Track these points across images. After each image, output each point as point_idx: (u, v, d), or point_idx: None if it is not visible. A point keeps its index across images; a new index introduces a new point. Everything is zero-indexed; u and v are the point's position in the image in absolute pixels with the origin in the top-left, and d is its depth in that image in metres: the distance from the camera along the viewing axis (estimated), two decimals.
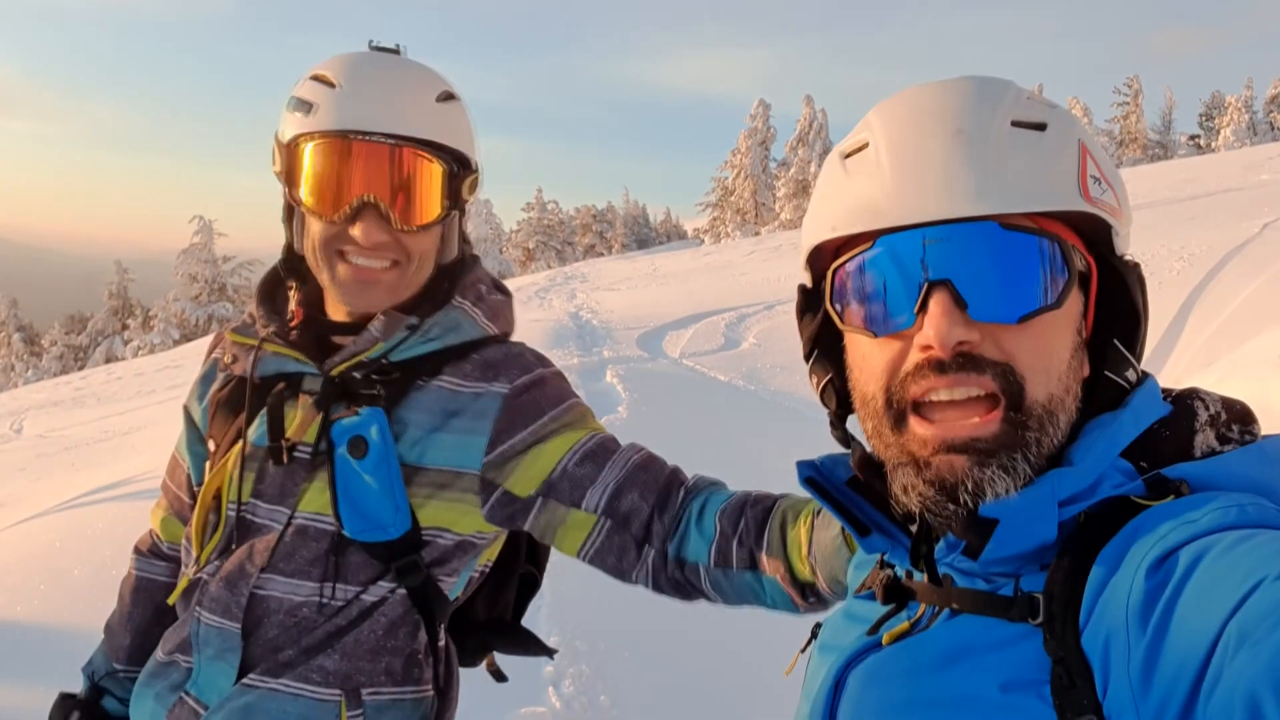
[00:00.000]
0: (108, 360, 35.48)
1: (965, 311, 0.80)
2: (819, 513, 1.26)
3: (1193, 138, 51.06)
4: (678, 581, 1.39)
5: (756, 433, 7.21)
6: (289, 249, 1.48)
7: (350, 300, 1.39)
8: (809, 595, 1.28)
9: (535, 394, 1.45)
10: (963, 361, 0.81)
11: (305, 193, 1.36)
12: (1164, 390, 0.88)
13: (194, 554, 1.45)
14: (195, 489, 1.57)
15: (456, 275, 1.50)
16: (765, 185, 45.62)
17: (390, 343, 1.41)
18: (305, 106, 1.36)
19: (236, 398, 1.48)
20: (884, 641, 0.90)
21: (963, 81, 0.88)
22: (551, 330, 12.11)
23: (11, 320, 45.78)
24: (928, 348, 0.81)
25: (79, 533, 4.89)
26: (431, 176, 1.38)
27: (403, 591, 1.42)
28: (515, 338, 1.57)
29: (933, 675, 0.82)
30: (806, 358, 1.01)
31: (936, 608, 0.88)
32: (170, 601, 1.51)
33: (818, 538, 1.24)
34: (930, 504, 0.83)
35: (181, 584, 1.48)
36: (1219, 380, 6.31)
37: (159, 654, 1.50)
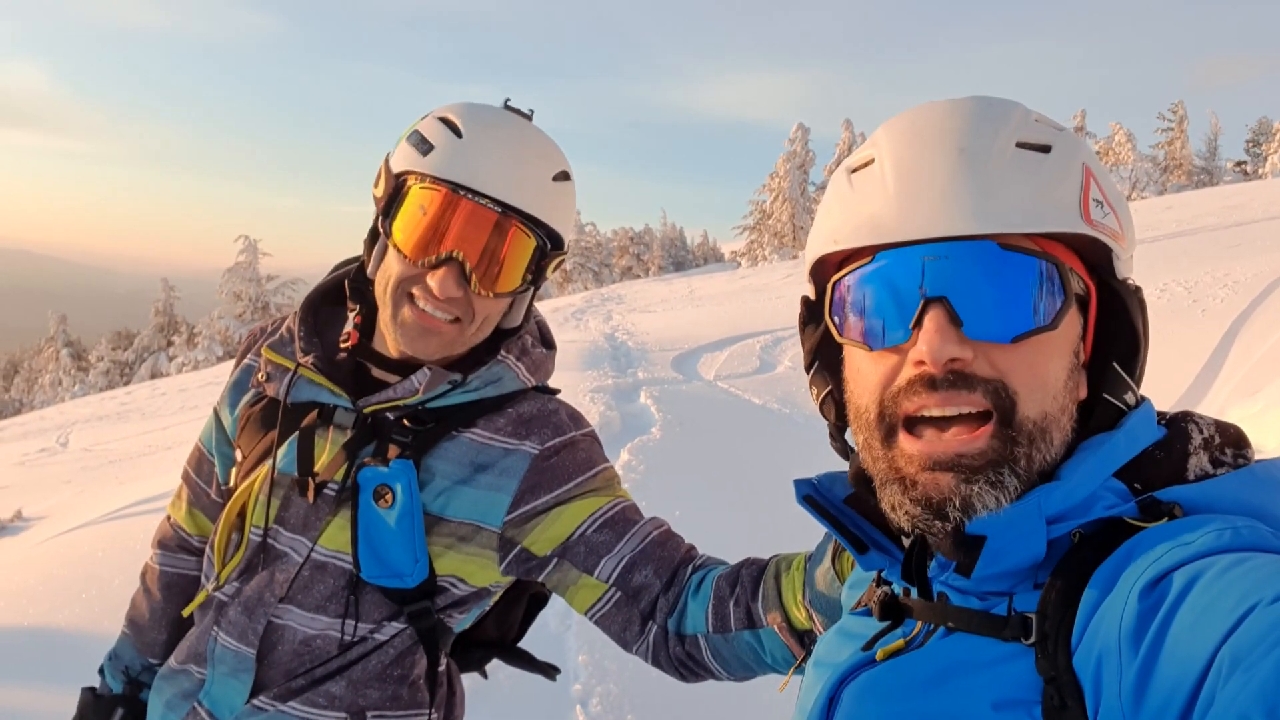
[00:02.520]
0: (153, 376, 36.11)
1: (960, 329, 0.81)
2: (811, 557, 1.27)
3: (1239, 164, 50.08)
4: (679, 658, 1.39)
5: (789, 456, 7.17)
6: (360, 272, 1.48)
7: (405, 343, 1.39)
8: (807, 643, 1.28)
9: (564, 457, 1.45)
10: (954, 379, 0.81)
11: (398, 229, 1.35)
12: (1159, 413, 0.88)
13: (215, 570, 1.48)
14: (222, 487, 1.60)
15: (509, 334, 1.49)
16: (803, 209, 45.42)
17: (429, 394, 1.41)
18: (425, 145, 1.34)
19: (268, 416, 1.49)
20: (878, 658, 0.89)
21: (970, 101, 0.89)
22: (587, 351, 12.14)
23: (60, 336, 46.74)
24: (921, 363, 0.82)
25: (120, 543, 5.00)
26: (523, 250, 1.37)
27: (412, 627, 1.45)
28: None
29: (926, 692, 0.82)
30: (808, 369, 1.02)
31: (932, 625, 0.88)
32: (185, 614, 1.54)
33: (812, 576, 1.24)
34: (919, 522, 0.83)
35: (200, 597, 1.51)
36: (1262, 410, 6.19)
37: (172, 661, 1.54)
